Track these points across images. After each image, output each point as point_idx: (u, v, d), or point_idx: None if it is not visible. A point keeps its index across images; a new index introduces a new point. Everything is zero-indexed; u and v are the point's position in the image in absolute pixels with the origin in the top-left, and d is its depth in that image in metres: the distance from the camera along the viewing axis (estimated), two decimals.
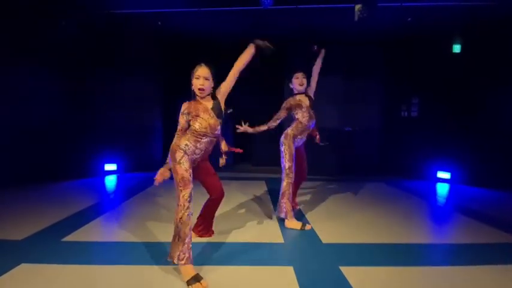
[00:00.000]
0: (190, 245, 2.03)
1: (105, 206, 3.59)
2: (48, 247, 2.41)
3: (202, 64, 2.18)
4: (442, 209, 3.90)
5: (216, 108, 2.20)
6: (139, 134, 5.84)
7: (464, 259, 2.38)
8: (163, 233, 2.72)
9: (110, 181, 5.01)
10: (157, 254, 2.33)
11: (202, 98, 2.20)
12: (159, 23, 5.02)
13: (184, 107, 2.18)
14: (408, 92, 5.78)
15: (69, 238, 2.60)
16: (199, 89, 2.14)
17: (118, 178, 5.23)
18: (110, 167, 5.61)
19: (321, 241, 2.65)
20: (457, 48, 5.60)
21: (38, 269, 2.08)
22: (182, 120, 2.17)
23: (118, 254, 2.36)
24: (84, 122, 5.42)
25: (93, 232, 2.78)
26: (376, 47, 5.77)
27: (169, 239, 2.07)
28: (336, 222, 3.14)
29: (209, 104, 2.20)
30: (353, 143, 5.96)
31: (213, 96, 2.24)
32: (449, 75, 5.38)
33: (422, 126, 5.62)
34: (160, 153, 5.99)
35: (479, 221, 3.30)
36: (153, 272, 2.09)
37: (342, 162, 5.93)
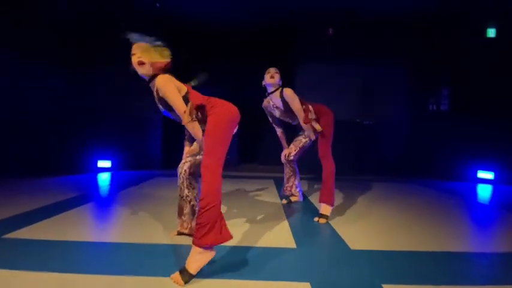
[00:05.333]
0: None
1: (72, 203, 3.04)
2: None
3: None
4: (491, 212, 3.19)
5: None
6: (136, 129, 5.37)
7: None
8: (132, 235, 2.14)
9: (102, 179, 4.48)
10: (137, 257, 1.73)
11: None
12: (158, 5, 4.62)
13: None
14: (437, 82, 5.12)
15: (11, 235, 2.05)
16: None
17: (111, 176, 4.72)
18: (103, 163, 5.12)
19: (348, 247, 2.00)
20: (491, 33, 4.98)
21: None
22: None
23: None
24: (79, 116, 5.01)
25: (41, 230, 2.21)
26: (400, 30, 5.11)
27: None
28: (365, 227, 2.48)
29: None
30: (373, 138, 5.33)
31: None
32: (486, 63, 4.70)
33: (453, 120, 4.93)
34: (160, 149, 5.48)
35: None
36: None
37: (361, 160, 5.32)
